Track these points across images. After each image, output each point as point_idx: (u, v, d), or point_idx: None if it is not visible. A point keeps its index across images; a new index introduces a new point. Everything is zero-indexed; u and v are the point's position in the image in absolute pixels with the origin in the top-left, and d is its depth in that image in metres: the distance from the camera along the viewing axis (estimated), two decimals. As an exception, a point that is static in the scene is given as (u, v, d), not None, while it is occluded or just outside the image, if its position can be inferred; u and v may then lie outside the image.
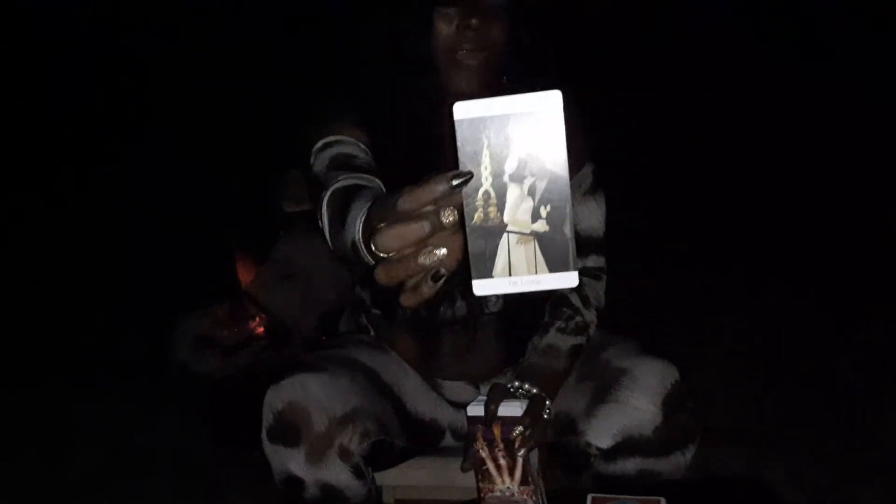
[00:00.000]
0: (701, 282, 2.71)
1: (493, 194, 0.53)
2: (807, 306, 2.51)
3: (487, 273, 0.53)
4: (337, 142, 1.04)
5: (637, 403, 1.05)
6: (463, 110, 0.53)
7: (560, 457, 1.14)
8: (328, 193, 0.86)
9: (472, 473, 0.99)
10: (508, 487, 0.96)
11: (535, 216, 0.53)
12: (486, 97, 0.53)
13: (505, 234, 0.53)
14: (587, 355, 1.16)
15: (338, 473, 1.01)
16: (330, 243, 0.83)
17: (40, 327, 2.59)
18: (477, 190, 0.53)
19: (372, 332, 1.27)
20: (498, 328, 1.19)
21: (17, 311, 2.66)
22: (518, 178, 0.53)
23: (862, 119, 3.66)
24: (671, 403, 1.05)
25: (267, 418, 1.03)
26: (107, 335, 2.52)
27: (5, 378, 2.32)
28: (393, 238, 0.53)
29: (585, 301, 1.18)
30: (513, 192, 0.53)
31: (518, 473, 0.95)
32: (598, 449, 1.07)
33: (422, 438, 1.19)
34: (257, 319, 2.44)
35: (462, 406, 1.16)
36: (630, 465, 1.07)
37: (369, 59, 1.11)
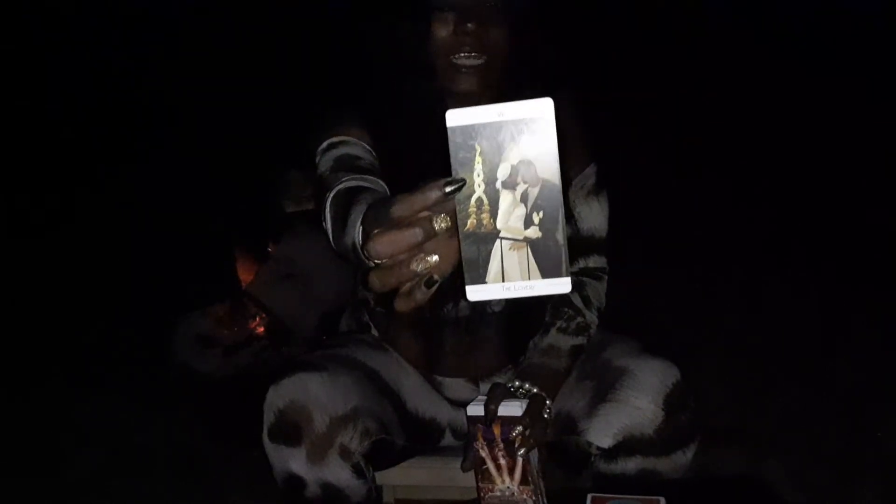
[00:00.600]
0: (701, 282, 2.71)
1: (485, 201, 0.53)
2: (807, 306, 2.51)
3: (481, 279, 0.54)
4: (342, 142, 1.05)
5: (638, 403, 1.05)
6: (455, 118, 0.53)
7: (560, 456, 1.13)
8: (332, 194, 0.86)
9: (472, 473, 0.99)
10: (508, 487, 0.96)
11: (528, 222, 0.53)
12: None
13: (498, 241, 0.54)
14: (588, 355, 1.16)
15: (338, 472, 1.02)
16: (333, 244, 0.84)
17: (40, 327, 2.59)
18: (470, 197, 0.53)
19: (374, 331, 1.27)
20: (500, 327, 1.19)
21: (17, 311, 2.66)
22: (510, 184, 0.53)
23: (862, 119, 3.66)
24: (672, 403, 1.05)
25: (268, 417, 1.03)
26: (107, 335, 2.52)
27: (5, 378, 2.32)
28: (386, 245, 0.54)
29: (587, 301, 1.18)
30: (505, 199, 0.53)
31: (518, 473, 0.95)
32: (599, 448, 1.07)
33: (422, 437, 1.19)
34: (257, 319, 2.44)
35: (462, 405, 1.16)
36: (631, 465, 1.07)
37: (372, 62, 1.11)
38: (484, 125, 0.53)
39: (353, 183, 0.91)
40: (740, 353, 2.28)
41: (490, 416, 0.96)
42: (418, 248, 0.54)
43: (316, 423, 1.00)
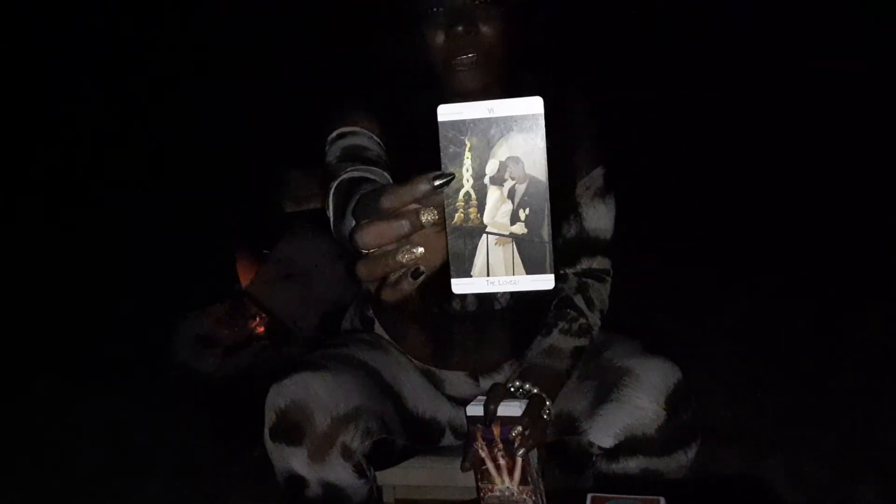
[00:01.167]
0: (703, 282, 2.72)
1: (473, 196, 0.54)
2: (807, 306, 2.51)
3: (466, 272, 0.55)
4: (351, 133, 1.05)
5: (640, 402, 1.05)
6: (446, 112, 0.54)
7: (561, 456, 1.13)
8: (335, 184, 0.87)
9: (471, 473, 0.99)
10: (508, 487, 0.96)
11: (514, 219, 0.54)
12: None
13: (484, 236, 0.54)
14: (589, 355, 1.16)
15: (340, 472, 1.02)
16: (334, 233, 0.84)
17: (41, 327, 2.59)
18: (458, 191, 0.54)
19: (377, 325, 1.27)
20: (504, 323, 1.19)
21: (18, 311, 2.67)
22: (498, 180, 0.54)
23: (863, 120, 3.66)
24: (674, 403, 1.05)
25: (269, 417, 1.03)
26: (107, 335, 2.52)
27: (5, 378, 2.32)
28: (373, 235, 0.54)
29: (589, 303, 1.18)
30: (493, 195, 0.54)
31: (517, 473, 0.95)
32: (601, 448, 1.07)
33: (422, 437, 1.19)
34: (257, 319, 2.45)
35: (462, 402, 1.16)
36: (632, 465, 1.07)
37: (374, 62, 1.11)
38: (474, 121, 0.54)
39: (357, 174, 0.91)
40: (740, 353, 2.28)
41: (489, 416, 0.96)
42: (405, 240, 0.55)
43: (317, 423, 1.00)
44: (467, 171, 0.54)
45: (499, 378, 1.23)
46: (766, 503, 1.06)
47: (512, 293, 1.17)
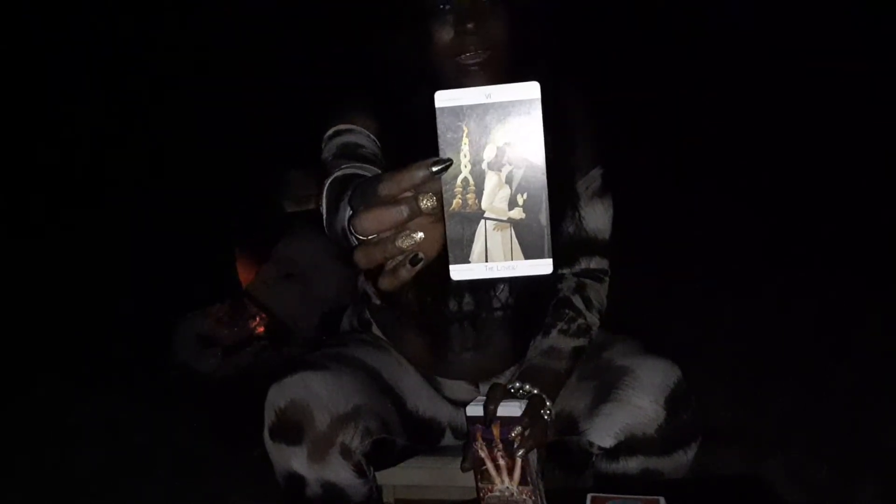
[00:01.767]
0: (702, 282, 2.71)
1: (471, 181, 0.54)
2: (807, 306, 2.51)
3: (464, 259, 0.55)
4: (347, 130, 1.05)
5: (640, 402, 1.05)
6: (444, 98, 0.54)
7: (561, 456, 1.13)
8: (329, 181, 0.87)
9: (471, 473, 0.99)
10: (508, 487, 0.96)
11: (512, 204, 0.54)
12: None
13: (482, 221, 0.54)
14: (589, 355, 1.16)
15: (339, 472, 1.02)
16: (326, 230, 0.84)
17: (41, 327, 2.59)
18: (456, 177, 0.54)
19: (375, 327, 1.27)
20: (504, 325, 1.19)
21: (18, 311, 2.67)
22: (496, 166, 0.54)
23: (864, 121, 3.66)
24: (674, 402, 1.05)
25: (269, 416, 1.03)
26: (107, 335, 2.52)
27: (5, 378, 2.32)
28: (371, 221, 0.54)
29: (588, 303, 1.18)
30: (491, 180, 0.54)
31: (517, 473, 0.95)
32: (601, 448, 1.07)
33: (422, 437, 1.19)
34: (257, 319, 2.45)
35: (462, 404, 1.16)
36: (632, 465, 1.07)
37: (374, 60, 1.11)
38: (472, 106, 0.54)
39: (351, 171, 0.91)
40: (740, 353, 2.28)
41: (489, 416, 0.96)
42: (403, 226, 0.54)
43: (317, 422, 1.00)
44: (465, 156, 0.54)
45: (498, 380, 1.22)
46: (765, 503, 1.06)
47: (511, 294, 1.17)
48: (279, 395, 1.02)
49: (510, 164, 0.54)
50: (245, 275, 2.49)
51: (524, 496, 0.96)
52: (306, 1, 3.41)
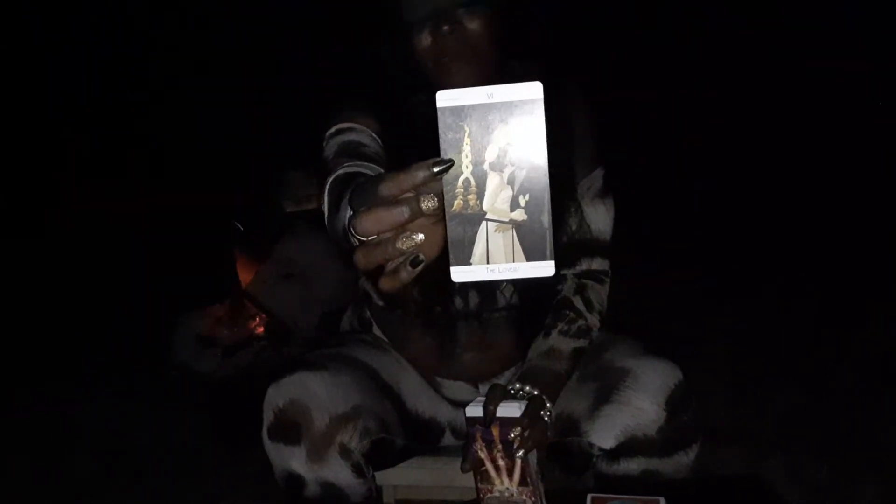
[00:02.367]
0: (703, 283, 2.71)
1: (472, 182, 0.54)
2: (807, 306, 2.51)
3: (465, 260, 0.54)
4: (349, 129, 1.05)
5: (640, 404, 1.05)
6: (445, 98, 0.53)
7: (562, 457, 1.13)
8: (330, 180, 0.87)
9: (471, 474, 0.99)
10: (507, 488, 0.96)
11: (514, 205, 0.53)
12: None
13: (484, 222, 0.54)
14: (590, 356, 1.16)
15: (338, 472, 1.01)
16: (328, 228, 0.84)
17: (40, 327, 2.59)
18: (457, 177, 0.54)
19: (375, 327, 1.27)
20: (508, 325, 1.19)
21: (18, 311, 2.67)
22: (498, 167, 0.53)
23: (864, 122, 3.66)
24: (674, 404, 1.05)
25: (268, 416, 1.03)
26: (107, 335, 2.52)
27: (5, 378, 2.32)
28: (372, 222, 0.54)
29: (588, 304, 1.18)
30: (492, 181, 0.53)
31: (517, 474, 0.95)
32: (601, 449, 1.07)
33: (422, 437, 1.19)
34: (257, 319, 2.45)
35: (461, 405, 1.16)
36: (633, 466, 1.06)
37: (372, 61, 1.12)
38: (473, 107, 0.53)
39: (353, 169, 0.91)
40: (740, 353, 2.28)
41: (489, 417, 0.96)
42: (404, 227, 0.54)
43: (316, 422, 1.00)
44: (466, 157, 0.53)
45: (498, 381, 1.22)
46: (765, 503, 1.06)
47: (514, 295, 1.17)
48: (278, 395, 1.02)
49: (512, 165, 0.53)
50: (245, 275, 2.49)
51: (524, 497, 0.96)
52: (306, 1, 3.41)
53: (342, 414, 1.01)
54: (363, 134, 1.05)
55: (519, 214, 0.53)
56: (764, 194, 3.34)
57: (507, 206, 0.53)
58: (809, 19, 4.30)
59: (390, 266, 0.55)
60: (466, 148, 0.53)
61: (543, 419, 1.03)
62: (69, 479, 1.86)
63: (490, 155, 0.53)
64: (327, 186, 0.87)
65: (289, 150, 2.40)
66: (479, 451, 0.96)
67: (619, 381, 1.07)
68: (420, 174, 0.53)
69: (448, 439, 1.25)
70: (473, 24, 1.00)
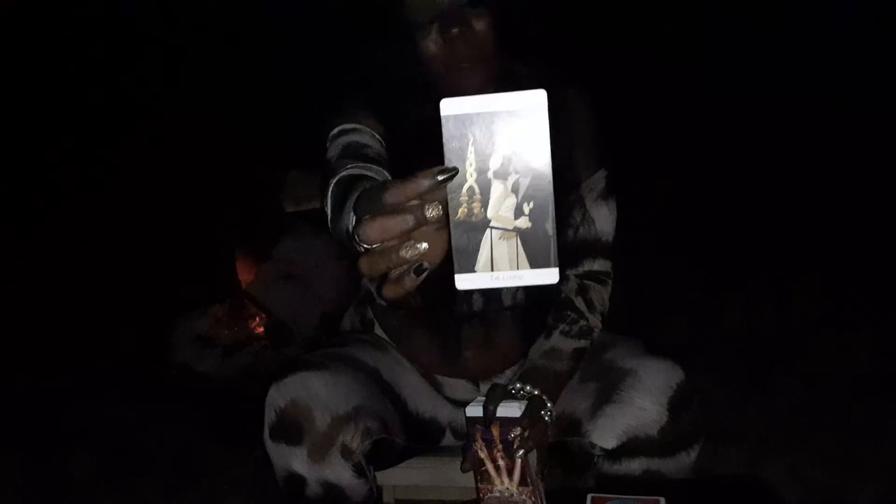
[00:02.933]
0: (704, 283, 2.71)
1: (477, 190, 0.54)
2: (807, 307, 2.51)
3: (470, 268, 0.54)
4: (353, 130, 1.05)
5: (642, 404, 1.05)
6: (449, 107, 0.54)
7: (563, 457, 1.13)
8: (334, 181, 0.87)
9: (471, 474, 0.99)
10: (507, 488, 0.96)
11: (518, 213, 0.54)
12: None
13: (488, 230, 0.54)
14: (591, 356, 1.16)
15: (339, 472, 1.02)
16: (331, 230, 0.84)
17: (40, 327, 2.59)
18: (461, 185, 0.54)
19: (377, 327, 1.27)
20: (513, 324, 1.19)
21: (17, 311, 2.66)
22: (502, 174, 0.54)
23: (864, 122, 3.66)
24: (677, 404, 1.05)
25: (269, 416, 1.03)
26: (107, 335, 2.52)
27: (5, 378, 2.32)
28: (376, 230, 0.54)
29: (590, 305, 1.18)
30: (496, 189, 0.54)
31: (517, 474, 0.95)
32: (603, 449, 1.07)
33: (422, 437, 1.19)
34: (257, 319, 2.45)
35: (462, 404, 1.16)
36: (635, 466, 1.07)
37: (377, 61, 1.11)
38: (477, 115, 0.53)
39: (356, 171, 0.91)
40: (741, 354, 2.28)
41: (488, 417, 0.96)
42: (408, 235, 0.54)
43: (317, 422, 1.00)
44: (471, 165, 0.53)
45: (499, 381, 1.22)
46: (765, 503, 1.06)
47: (519, 292, 1.17)
48: (279, 395, 1.02)
49: (516, 173, 0.53)
50: (245, 275, 2.49)
51: (524, 497, 0.96)
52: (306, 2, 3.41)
53: (343, 414, 1.01)
54: (366, 135, 1.05)
55: (523, 222, 0.54)
56: (766, 195, 3.34)
57: (511, 214, 0.54)
58: (810, 19, 4.31)
59: (394, 274, 0.55)
60: (470, 156, 0.53)
61: (543, 419, 1.03)
62: (69, 478, 1.86)
63: (494, 163, 0.53)
64: (330, 188, 0.87)
65: (289, 150, 2.39)
66: (479, 451, 0.96)
67: (621, 380, 1.07)
68: (425, 182, 0.53)
69: (448, 439, 1.25)
70: (480, 26, 1.00)
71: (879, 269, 2.65)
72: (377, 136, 1.06)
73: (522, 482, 0.95)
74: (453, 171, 0.53)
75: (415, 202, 0.54)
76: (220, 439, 1.97)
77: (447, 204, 0.54)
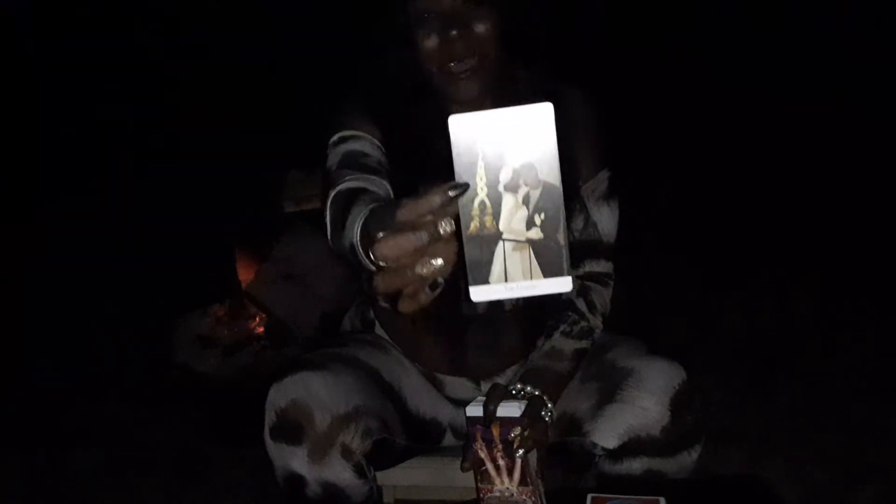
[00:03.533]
0: (705, 283, 2.71)
1: (488, 204, 0.55)
2: (808, 307, 2.51)
3: (484, 280, 0.55)
4: (352, 137, 1.06)
5: (644, 403, 1.05)
6: (458, 123, 0.54)
7: (564, 457, 1.13)
8: (333, 193, 0.87)
9: (471, 473, 0.99)
10: (507, 488, 0.96)
11: (530, 224, 0.55)
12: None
13: (500, 242, 0.55)
14: (593, 356, 1.16)
15: (340, 472, 1.02)
16: (331, 243, 0.85)
17: (40, 327, 2.59)
18: (473, 200, 0.55)
19: (378, 327, 1.27)
20: (516, 323, 1.19)
21: (17, 311, 2.66)
22: (512, 188, 0.55)
23: (866, 123, 3.66)
24: (678, 404, 1.05)
25: (269, 416, 1.03)
26: (107, 335, 2.52)
27: (5, 378, 2.32)
28: (391, 248, 0.54)
29: (591, 306, 1.18)
30: (508, 202, 0.55)
31: (517, 474, 0.95)
32: (604, 449, 1.07)
33: (423, 437, 1.19)
34: (257, 319, 2.45)
35: (462, 404, 1.16)
36: (636, 466, 1.07)
37: (377, 67, 1.12)
38: (486, 130, 0.54)
39: (354, 184, 0.91)
40: (741, 354, 2.28)
41: (489, 416, 0.96)
42: (422, 252, 0.55)
43: (317, 422, 1.00)
44: (481, 179, 0.54)
45: (500, 380, 1.22)
46: (765, 503, 1.06)
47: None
48: (279, 395, 1.02)
49: (526, 186, 0.54)
50: (245, 275, 2.49)
51: (524, 497, 0.96)
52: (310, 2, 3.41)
53: (344, 414, 1.01)
54: (366, 143, 1.05)
55: (535, 233, 0.55)
56: (766, 195, 3.34)
57: (523, 226, 0.55)
58: (810, 19, 4.30)
59: (410, 290, 0.56)
60: (481, 171, 0.54)
61: (544, 419, 1.03)
62: (69, 478, 1.86)
63: (504, 177, 0.54)
64: (329, 200, 0.87)
65: (289, 150, 2.39)
66: (479, 451, 0.96)
67: (623, 380, 1.08)
68: (436, 199, 0.54)
69: (449, 439, 1.25)
70: (481, 28, 1.00)
71: (879, 269, 2.64)
72: (377, 142, 1.06)
73: (522, 482, 0.95)
74: (464, 187, 0.54)
75: (427, 218, 0.54)
76: (220, 439, 1.97)
77: (459, 218, 0.55)
